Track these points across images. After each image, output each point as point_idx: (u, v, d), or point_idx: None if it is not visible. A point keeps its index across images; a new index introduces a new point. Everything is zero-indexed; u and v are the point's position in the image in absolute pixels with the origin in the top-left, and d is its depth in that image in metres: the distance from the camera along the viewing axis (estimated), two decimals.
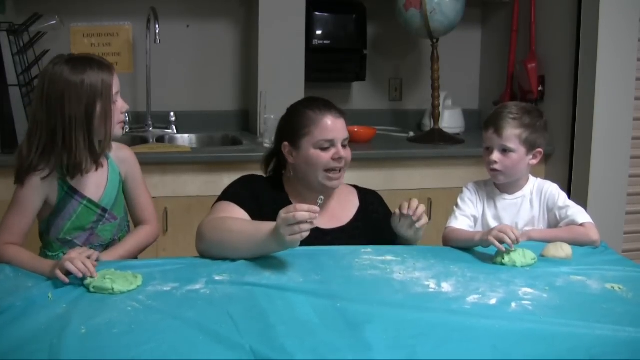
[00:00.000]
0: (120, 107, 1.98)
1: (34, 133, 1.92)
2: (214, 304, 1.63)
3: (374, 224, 2.19)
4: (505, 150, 2.15)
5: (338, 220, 2.15)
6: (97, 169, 1.97)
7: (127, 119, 3.47)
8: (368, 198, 2.24)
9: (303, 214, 1.73)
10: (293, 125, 2.12)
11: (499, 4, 3.87)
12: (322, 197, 1.96)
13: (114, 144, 2.09)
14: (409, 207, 1.99)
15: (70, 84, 1.88)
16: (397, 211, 2.02)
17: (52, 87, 1.89)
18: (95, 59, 1.95)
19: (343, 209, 2.18)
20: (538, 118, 2.19)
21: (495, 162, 2.16)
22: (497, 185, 2.25)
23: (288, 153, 2.12)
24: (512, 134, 2.14)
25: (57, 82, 1.89)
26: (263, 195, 2.12)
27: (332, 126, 2.07)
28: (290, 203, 2.10)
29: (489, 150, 2.18)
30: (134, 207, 2.15)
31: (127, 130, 3.47)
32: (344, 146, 2.10)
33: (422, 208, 2.01)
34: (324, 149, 2.07)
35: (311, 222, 1.74)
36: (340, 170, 2.09)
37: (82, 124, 1.90)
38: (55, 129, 1.90)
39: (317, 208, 1.75)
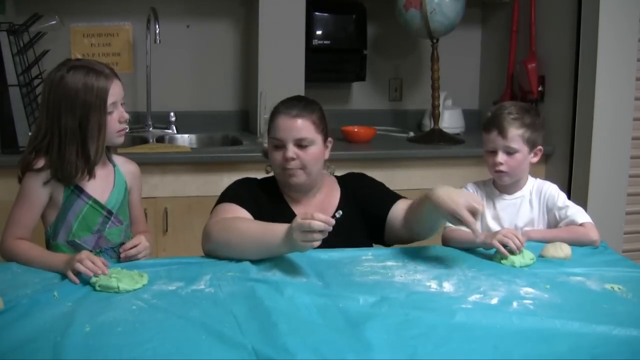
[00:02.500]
0: (118, 117, 1.97)
1: (36, 135, 1.96)
2: (218, 303, 1.63)
3: (359, 202, 2.18)
4: (509, 151, 2.15)
5: (325, 212, 2.13)
6: (89, 179, 1.97)
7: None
8: (347, 180, 2.25)
9: (319, 223, 1.73)
10: (269, 122, 2.17)
11: (499, 4, 3.87)
12: (340, 211, 1.96)
13: (123, 158, 2.13)
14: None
15: (66, 95, 1.90)
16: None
17: (51, 95, 1.92)
18: (95, 68, 1.94)
19: (328, 200, 2.19)
20: (537, 116, 2.20)
21: (501, 163, 2.16)
22: (496, 186, 2.25)
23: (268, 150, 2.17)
24: (516, 134, 2.14)
25: (55, 91, 1.92)
26: (260, 196, 2.14)
27: (283, 125, 2.08)
28: (286, 202, 2.14)
29: (493, 153, 2.18)
30: (132, 218, 2.15)
31: (127, 131, 3.46)
32: (303, 146, 2.07)
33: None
34: (276, 148, 2.09)
35: (325, 233, 1.75)
36: (290, 169, 2.09)
37: (75, 136, 1.92)
38: (53, 136, 1.92)
39: (332, 221, 1.75)
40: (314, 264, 1.89)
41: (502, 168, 2.16)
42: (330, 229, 1.75)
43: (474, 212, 1.83)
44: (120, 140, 2.02)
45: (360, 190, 2.21)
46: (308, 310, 1.59)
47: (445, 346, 1.45)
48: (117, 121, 1.97)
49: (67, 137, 1.91)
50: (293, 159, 2.06)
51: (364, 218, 2.16)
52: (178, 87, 3.64)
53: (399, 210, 2.13)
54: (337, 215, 1.84)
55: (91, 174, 1.97)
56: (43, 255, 1.88)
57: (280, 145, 2.08)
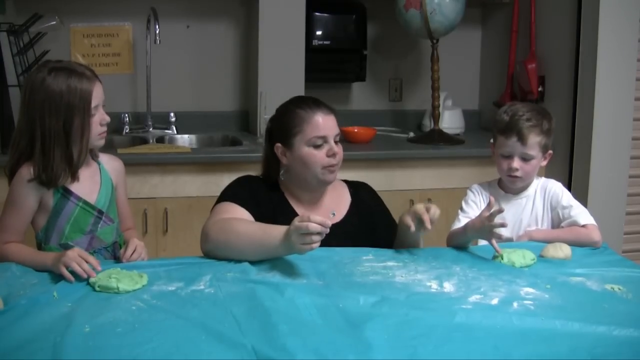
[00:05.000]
0: (100, 120, 1.96)
1: (16, 137, 1.95)
2: (218, 303, 1.63)
3: (367, 218, 2.19)
4: (525, 158, 2.15)
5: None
6: (72, 182, 1.97)
7: (128, 119, 3.47)
8: (360, 193, 2.25)
9: (315, 225, 1.73)
10: (284, 125, 2.12)
11: (499, 4, 3.87)
12: (334, 211, 1.97)
13: (107, 156, 2.12)
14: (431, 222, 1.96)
15: (49, 97, 1.89)
16: (409, 221, 1.96)
17: (32, 96, 1.91)
18: (77, 70, 1.93)
19: (337, 205, 2.18)
20: (551, 121, 2.19)
21: (517, 169, 2.16)
22: (501, 186, 2.25)
23: (281, 154, 2.12)
24: (535, 141, 2.14)
25: (37, 93, 1.90)
26: (260, 195, 2.13)
27: (324, 123, 2.08)
28: (287, 202, 2.14)
29: (508, 157, 2.17)
30: (119, 215, 2.14)
31: (127, 131, 3.47)
32: (335, 142, 2.10)
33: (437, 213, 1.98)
34: (317, 147, 2.07)
35: (322, 235, 1.75)
36: (334, 165, 2.10)
37: (60, 138, 1.91)
38: (34, 138, 1.91)
39: (329, 222, 1.76)
40: (315, 264, 1.89)
41: (517, 174, 2.16)
42: (328, 230, 1.75)
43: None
44: (102, 142, 2.01)
45: (371, 207, 2.22)
46: (308, 311, 1.59)
47: (445, 346, 1.44)
48: (98, 124, 1.96)
49: (50, 139, 1.90)
50: (336, 153, 2.08)
51: (370, 232, 2.15)
52: (178, 87, 3.64)
53: None
54: (331, 216, 1.84)
55: (74, 177, 1.96)
56: (32, 256, 1.88)
57: (321, 144, 2.07)
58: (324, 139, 2.07)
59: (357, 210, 2.19)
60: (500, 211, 2.00)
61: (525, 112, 2.16)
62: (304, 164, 2.08)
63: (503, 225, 1.99)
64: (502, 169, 2.20)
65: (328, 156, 2.07)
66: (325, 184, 2.12)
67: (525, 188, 2.24)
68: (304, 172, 2.10)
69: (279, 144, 2.12)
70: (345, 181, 2.28)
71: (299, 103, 2.13)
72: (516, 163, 2.16)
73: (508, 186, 2.24)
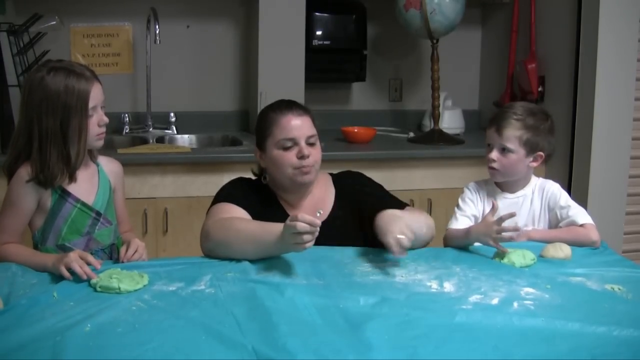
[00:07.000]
0: (98, 121, 1.96)
1: (15, 136, 1.96)
2: (218, 303, 1.64)
3: (353, 205, 2.17)
4: (504, 150, 2.16)
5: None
6: (69, 182, 1.96)
7: (128, 119, 3.48)
8: (342, 182, 2.23)
9: (304, 225, 1.74)
10: (258, 129, 2.14)
11: (499, 4, 3.88)
12: (321, 210, 1.95)
13: (106, 158, 2.12)
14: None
15: (46, 96, 1.89)
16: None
17: (31, 95, 1.91)
18: (75, 70, 1.92)
19: (322, 201, 2.18)
20: (542, 121, 2.18)
21: (494, 160, 2.17)
22: (498, 185, 2.25)
23: (259, 157, 2.14)
24: (513, 134, 2.14)
25: (35, 92, 1.90)
26: (253, 195, 2.14)
27: (293, 125, 2.07)
28: (278, 201, 2.15)
29: (490, 148, 2.19)
30: (116, 218, 2.14)
31: (127, 131, 3.47)
32: (311, 144, 2.08)
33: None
34: (286, 149, 2.06)
35: (315, 234, 1.75)
36: (307, 167, 2.08)
37: (57, 138, 1.91)
38: (32, 137, 1.91)
39: (318, 222, 1.75)
40: (315, 264, 1.89)
41: (494, 165, 2.18)
42: (317, 229, 1.75)
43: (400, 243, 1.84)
44: (100, 143, 2.00)
45: (354, 190, 2.19)
46: (308, 311, 1.59)
47: (445, 346, 1.45)
48: (96, 125, 1.96)
49: (48, 138, 1.90)
50: (309, 155, 2.05)
51: (359, 219, 2.14)
52: (178, 87, 3.64)
53: None
54: (318, 214, 1.84)
55: (72, 178, 1.96)
56: (31, 256, 1.88)
57: (290, 146, 2.06)
58: (293, 141, 2.06)
59: (342, 202, 2.18)
60: (512, 215, 1.99)
61: (515, 107, 2.19)
62: (275, 166, 2.08)
63: (516, 229, 1.99)
64: (486, 160, 2.21)
65: (298, 158, 2.06)
66: (300, 185, 2.10)
67: (520, 186, 2.24)
68: (277, 174, 2.10)
69: (256, 148, 2.14)
70: (332, 174, 2.27)
71: (273, 106, 2.14)
72: (494, 154, 2.17)
73: (503, 183, 2.24)
